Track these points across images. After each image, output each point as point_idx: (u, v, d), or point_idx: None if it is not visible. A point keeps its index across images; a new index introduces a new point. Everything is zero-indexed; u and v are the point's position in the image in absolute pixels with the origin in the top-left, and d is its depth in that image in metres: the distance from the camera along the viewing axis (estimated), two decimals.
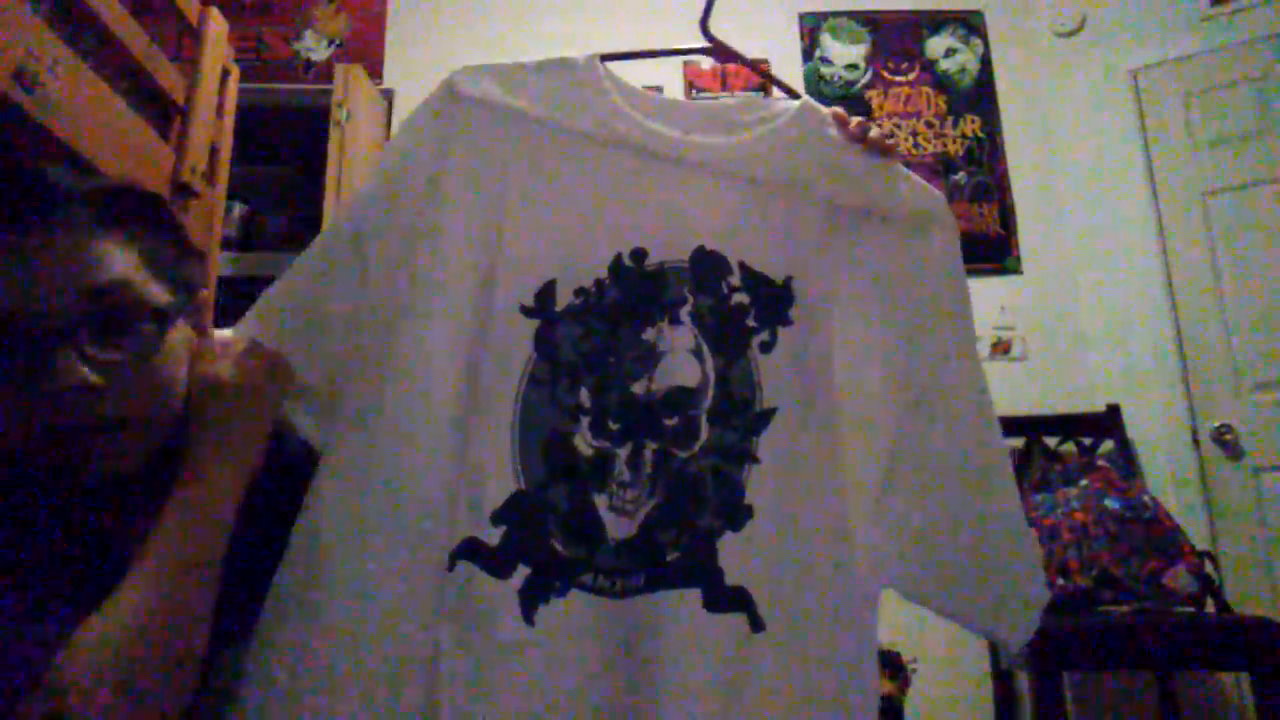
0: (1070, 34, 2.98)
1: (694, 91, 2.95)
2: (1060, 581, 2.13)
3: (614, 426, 0.75)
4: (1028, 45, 3.06)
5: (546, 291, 0.77)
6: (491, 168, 0.79)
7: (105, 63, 1.33)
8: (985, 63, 3.05)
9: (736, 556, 0.72)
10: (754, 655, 0.70)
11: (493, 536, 0.71)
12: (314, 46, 3.01)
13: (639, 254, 0.79)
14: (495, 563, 0.71)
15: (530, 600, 0.70)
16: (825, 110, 0.87)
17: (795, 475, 0.75)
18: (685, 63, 2.99)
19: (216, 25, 1.71)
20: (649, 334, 0.77)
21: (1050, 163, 2.95)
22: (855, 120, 0.86)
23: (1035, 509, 2.31)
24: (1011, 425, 2.57)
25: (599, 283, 0.78)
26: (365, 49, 3.00)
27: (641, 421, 0.75)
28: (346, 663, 0.67)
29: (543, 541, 0.72)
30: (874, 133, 0.85)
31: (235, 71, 1.86)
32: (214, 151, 1.71)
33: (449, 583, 0.70)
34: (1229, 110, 2.64)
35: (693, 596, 0.71)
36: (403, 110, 2.90)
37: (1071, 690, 2.38)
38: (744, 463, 0.75)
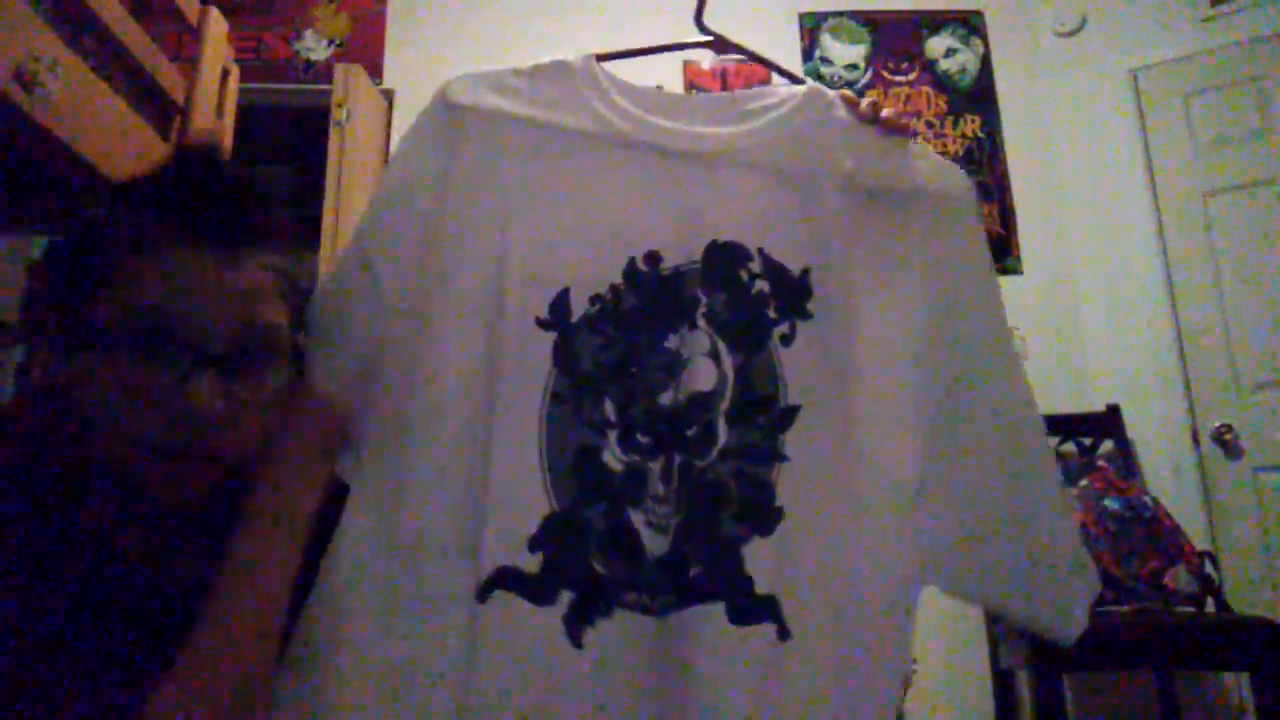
0: (1070, 34, 2.98)
1: (694, 91, 2.95)
2: None
3: (643, 440, 0.72)
4: (1028, 45, 3.06)
5: (561, 301, 0.74)
6: (493, 176, 0.76)
7: (105, 63, 1.33)
8: (985, 63, 3.05)
9: (767, 563, 0.70)
10: (783, 665, 0.68)
11: (531, 563, 0.68)
12: (314, 46, 3.01)
13: (653, 257, 0.76)
14: (537, 590, 0.68)
15: (577, 625, 0.67)
16: (832, 93, 0.84)
17: (825, 474, 0.72)
18: (685, 62, 2.99)
19: (216, 25, 1.71)
20: (672, 341, 0.74)
21: (1050, 163, 2.95)
22: (866, 100, 0.83)
23: None
24: None
25: (614, 289, 0.75)
26: (365, 49, 3.00)
27: (670, 433, 0.72)
28: (372, 708, 0.65)
29: (584, 563, 0.69)
30: (886, 111, 0.82)
31: (235, 71, 1.86)
32: None
33: (482, 614, 0.67)
34: (1229, 110, 2.64)
35: (717, 610, 0.68)
36: (403, 110, 2.91)
37: (1071, 690, 2.38)
38: (773, 462, 0.72)
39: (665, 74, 2.93)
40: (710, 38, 0.94)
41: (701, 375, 0.73)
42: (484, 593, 0.67)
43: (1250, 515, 2.44)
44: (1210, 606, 2.07)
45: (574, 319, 0.74)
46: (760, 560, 0.70)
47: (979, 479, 0.76)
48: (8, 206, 1.49)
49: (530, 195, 0.76)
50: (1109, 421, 2.58)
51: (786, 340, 0.75)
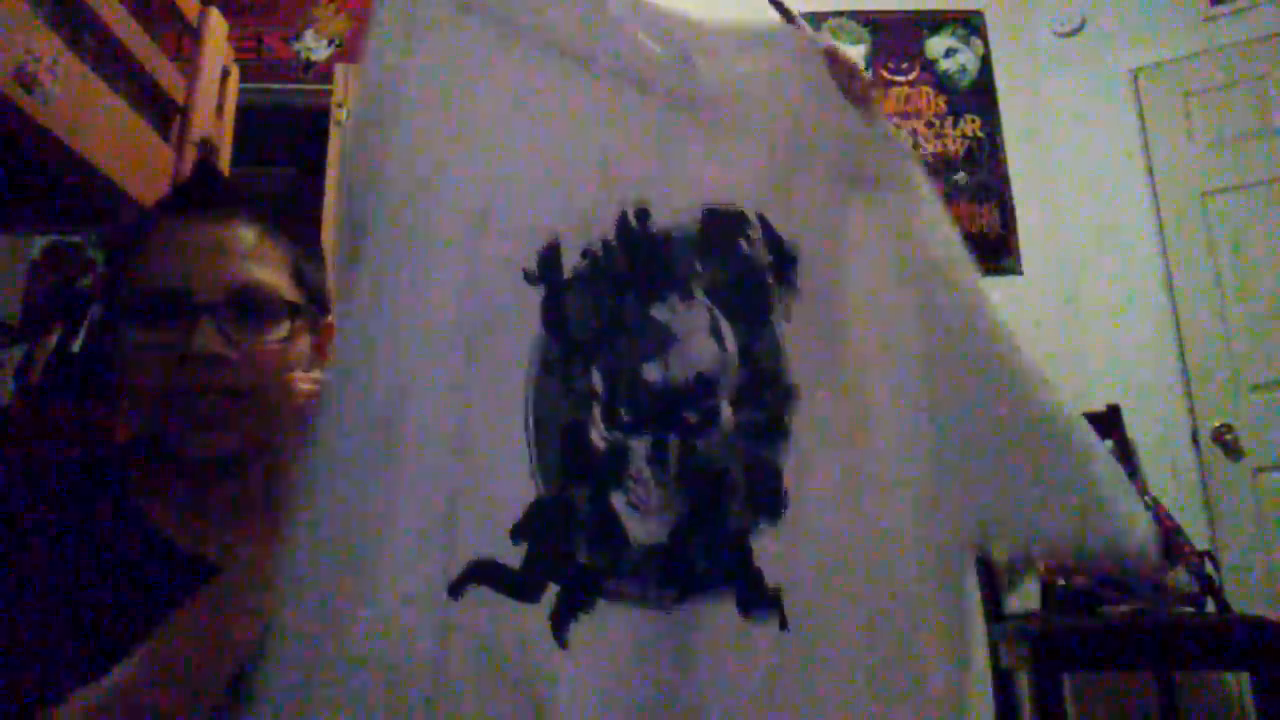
0: (1070, 34, 2.98)
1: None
2: (1060, 581, 2.13)
3: (626, 416, 0.65)
4: (1028, 45, 3.06)
5: (551, 253, 0.64)
6: (464, 84, 0.63)
7: (105, 63, 1.33)
8: (985, 63, 3.05)
9: (774, 552, 0.65)
10: (785, 656, 0.64)
11: (514, 556, 0.60)
12: (314, 46, 3.01)
13: (643, 213, 0.67)
14: (521, 586, 0.60)
15: (561, 622, 0.60)
16: (824, 44, 0.79)
17: (830, 455, 0.69)
18: None
19: (216, 25, 1.71)
20: (659, 312, 0.67)
21: (1050, 163, 2.95)
22: (846, 57, 0.79)
23: None
24: None
25: (606, 245, 0.66)
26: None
27: (659, 412, 0.66)
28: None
29: (568, 553, 0.62)
30: (856, 70, 0.79)
31: (235, 71, 1.86)
32: (214, 151, 1.71)
33: (457, 614, 0.58)
34: (1229, 110, 2.64)
35: (728, 602, 0.63)
36: None
37: (1071, 690, 2.38)
38: (779, 444, 0.67)
39: None
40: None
41: (702, 353, 0.67)
42: (458, 588, 0.58)
43: (1250, 515, 2.44)
44: (1210, 606, 2.08)
45: (565, 275, 0.64)
46: (769, 550, 0.65)
47: (993, 432, 0.73)
48: (8, 206, 1.49)
49: (508, 113, 0.64)
50: (1109, 421, 2.58)
51: (787, 314, 0.70)
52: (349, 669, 0.58)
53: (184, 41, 1.72)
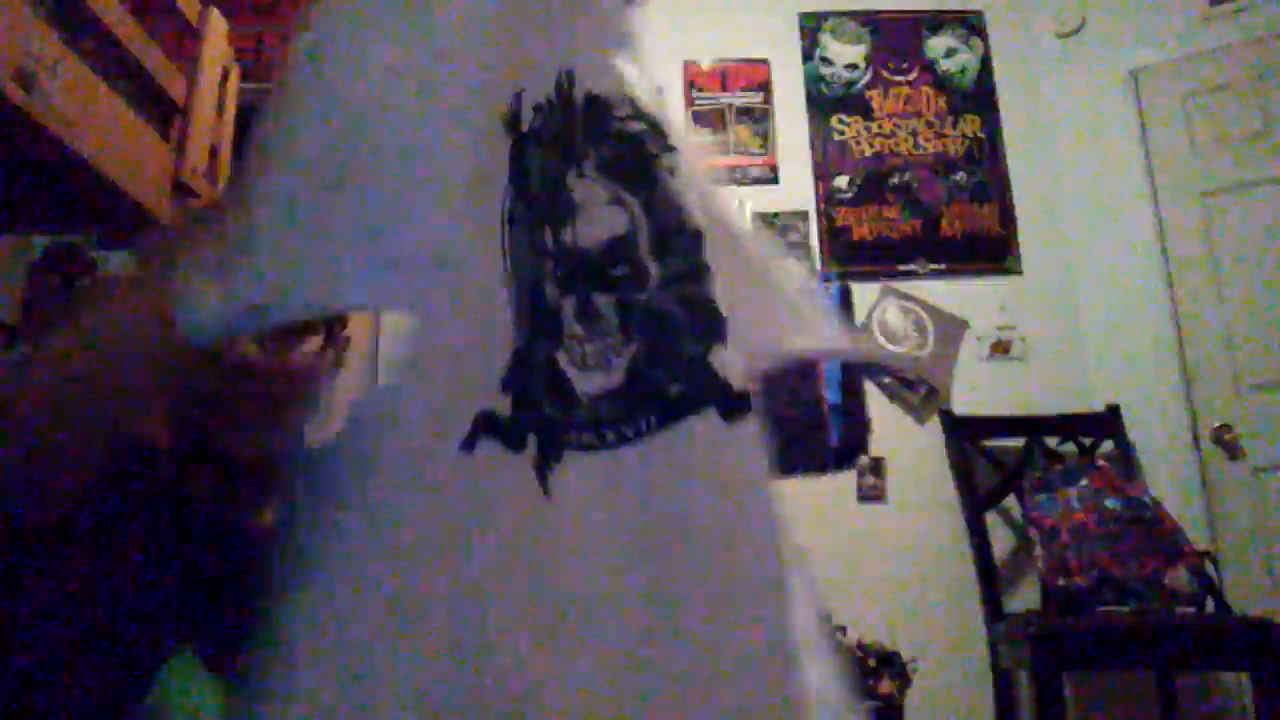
0: (1070, 34, 2.98)
1: (693, 90, 2.94)
2: (1060, 581, 2.14)
3: (558, 275, 0.69)
4: (1028, 45, 3.06)
5: (517, 102, 0.68)
6: None
7: (105, 63, 1.33)
8: (985, 63, 3.05)
9: (732, 366, 0.71)
10: (758, 448, 0.71)
11: (504, 406, 0.64)
12: None
13: (569, 79, 0.71)
14: (512, 435, 0.63)
15: (542, 470, 0.64)
16: None
17: (731, 285, 0.75)
18: (685, 63, 2.98)
19: (216, 25, 1.71)
20: (570, 179, 0.70)
21: (1050, 163, 2.95)
22: None
23: (1035, 509, 2.32)
24: (1011, 425, 2.57)
25: (550, 102, 0.69)
26: None
27: (582, 272, 0.69)
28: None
29: (540, 404, 0.65)
30: None
31: (235, 71, 1.86)
32: (214, 151, 1.71)
33: (468, 467, 0.62)
34: (1229, 110, 2.64)
35: (709, 415, 0.67)
36: None
37: (1071, 690, 2.38)
38: (705, 281, 0.72)
39: (665, 73, 2.92)
40: None
41: (610, 219, 0.71)
42: (471, 440, 0.61)
43: (1250, 515, 2.44)
44: (1210, 606, 2.08)
45: (524, 127, 0.68)
46: (728, 364, 0.70)
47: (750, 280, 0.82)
48: (8, 206, 1.49)
49: None
50: (1109, 421, 2.58)
51: (672, 170, 0.75)
52: (383, 521, 0.62)
53: (184, 41, 1.72)
